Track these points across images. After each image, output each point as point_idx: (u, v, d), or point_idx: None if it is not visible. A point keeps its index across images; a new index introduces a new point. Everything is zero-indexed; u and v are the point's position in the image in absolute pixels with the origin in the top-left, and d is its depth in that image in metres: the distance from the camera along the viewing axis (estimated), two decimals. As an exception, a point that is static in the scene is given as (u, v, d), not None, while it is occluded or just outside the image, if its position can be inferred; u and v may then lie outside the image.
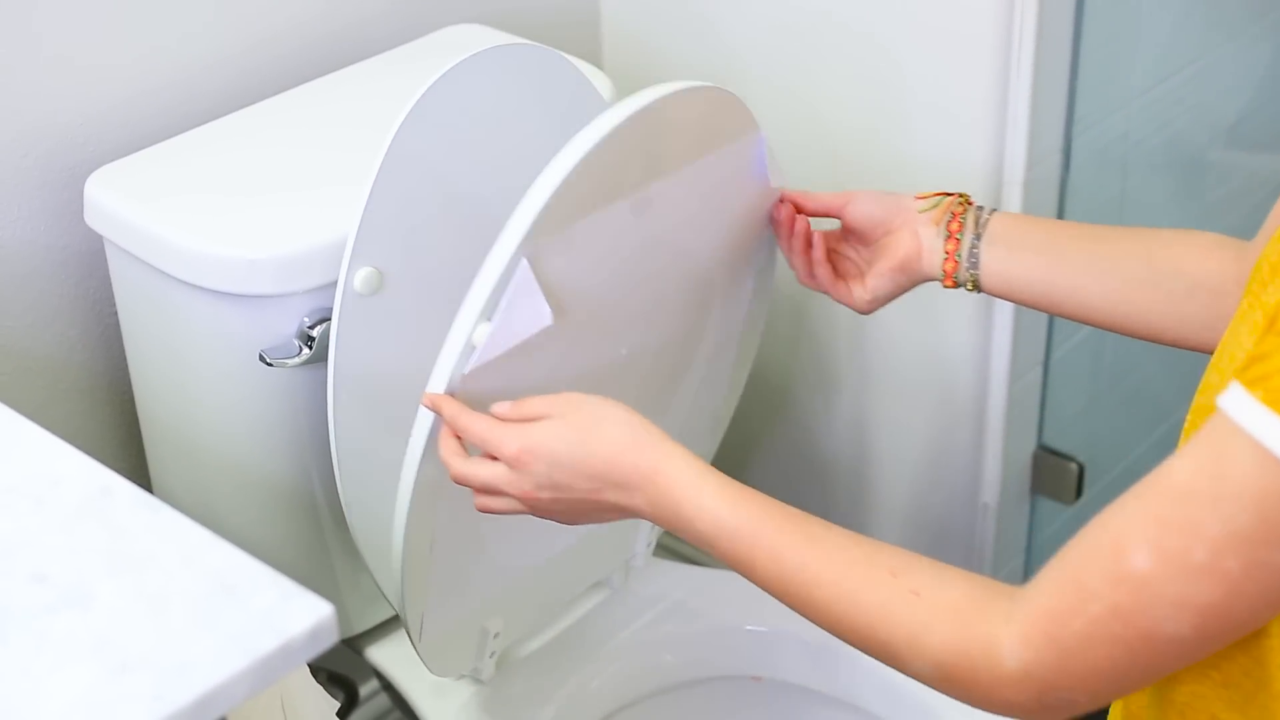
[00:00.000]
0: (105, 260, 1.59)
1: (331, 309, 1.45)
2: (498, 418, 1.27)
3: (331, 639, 0.97)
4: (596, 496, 1.23)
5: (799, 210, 1.53)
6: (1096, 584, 1.02)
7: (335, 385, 1.47)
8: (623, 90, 1.80)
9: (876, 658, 1.14)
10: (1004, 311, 1.85)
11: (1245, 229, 1.39)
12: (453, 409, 1.28)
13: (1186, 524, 0.99)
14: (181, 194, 1.54)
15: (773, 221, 1.54)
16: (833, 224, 1.55)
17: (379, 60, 1.74)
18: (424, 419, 1.30)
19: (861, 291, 1.52)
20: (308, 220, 1.50)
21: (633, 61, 2.01)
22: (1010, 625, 1.07)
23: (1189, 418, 1.14)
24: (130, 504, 1.07)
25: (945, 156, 1.80)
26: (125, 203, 1.53)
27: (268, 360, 1.49)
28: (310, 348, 1.50)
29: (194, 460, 1.60)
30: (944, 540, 2.03)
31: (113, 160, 1.59)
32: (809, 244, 1.53)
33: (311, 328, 1.50)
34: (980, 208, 1.48)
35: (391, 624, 1.72)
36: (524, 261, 1.29)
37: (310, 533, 1.61)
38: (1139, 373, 2.24)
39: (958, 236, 1.47)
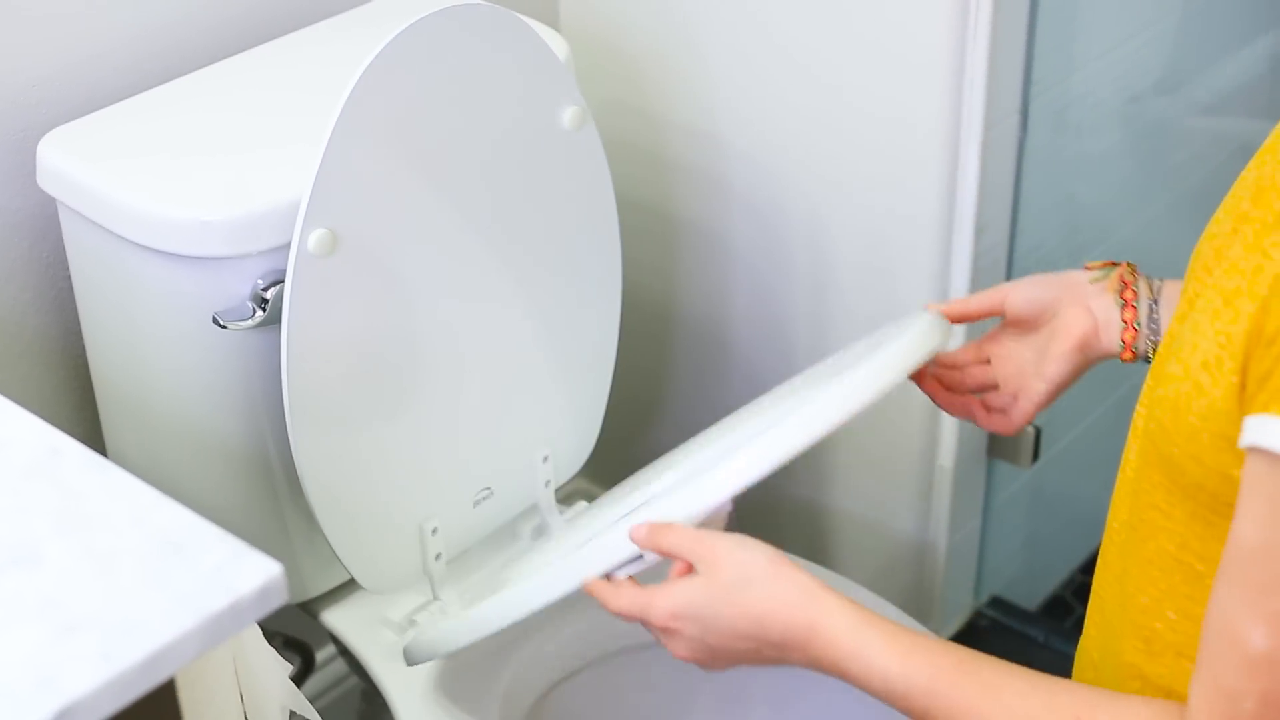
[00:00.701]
0: (58, 223, 1.58)
1: (285, 271, 1.45)
2: (634, 539, 1.23)
3: (281, 599, 0.97)
4: (755, 655, 1.20)
5: (963, 319, 1.46)
6: (1235, 681, 1.01)
7: (289, 348, 1.46)
8: (578, 53, 1.80)
9: None
10: (961, 273, 1.85)
11: (1204, 191, 1.39)
12: (603, 593, 1.25)
13: (1276, 580, 0.98)
14: (135, 156, 1.53)
15: (926, 388, 1.51)
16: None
17: (334, 22, 1.73)
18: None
19: (1034, 390, 1.43)
20: (261, 182, 1.49)
21: (589, 24, 2.00)
22: None
23: (1143, 410, 1.14)
24: (79, 465, 1.07)
25: (903, 117, 1.80)
26: (78, 165, 1.52)
27: (221, 322, 1.49)
28: (264, 310, 1.49)
29: (148, 423, 1.60)
30: (901, 504, 2.03)
31: (65, 122, 1.58)
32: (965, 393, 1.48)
33: (265, 290, 1.49)
34: (1148, 276, 1.41)
35: (348, 587, 1.72)
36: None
37: (265, 496, 1.61)
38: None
39: (1134, 305, 1.38)
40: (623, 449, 2.25)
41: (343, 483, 1.57)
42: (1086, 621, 1.27)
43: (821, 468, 2.07)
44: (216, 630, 0.94)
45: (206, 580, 0.96)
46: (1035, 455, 2.04)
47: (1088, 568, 2.47)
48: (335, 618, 1.71)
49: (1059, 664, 1.86)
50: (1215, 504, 1.07)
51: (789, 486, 2.11)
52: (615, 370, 1.81)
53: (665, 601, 1.20)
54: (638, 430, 2.23)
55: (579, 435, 1.79)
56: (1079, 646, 1.28)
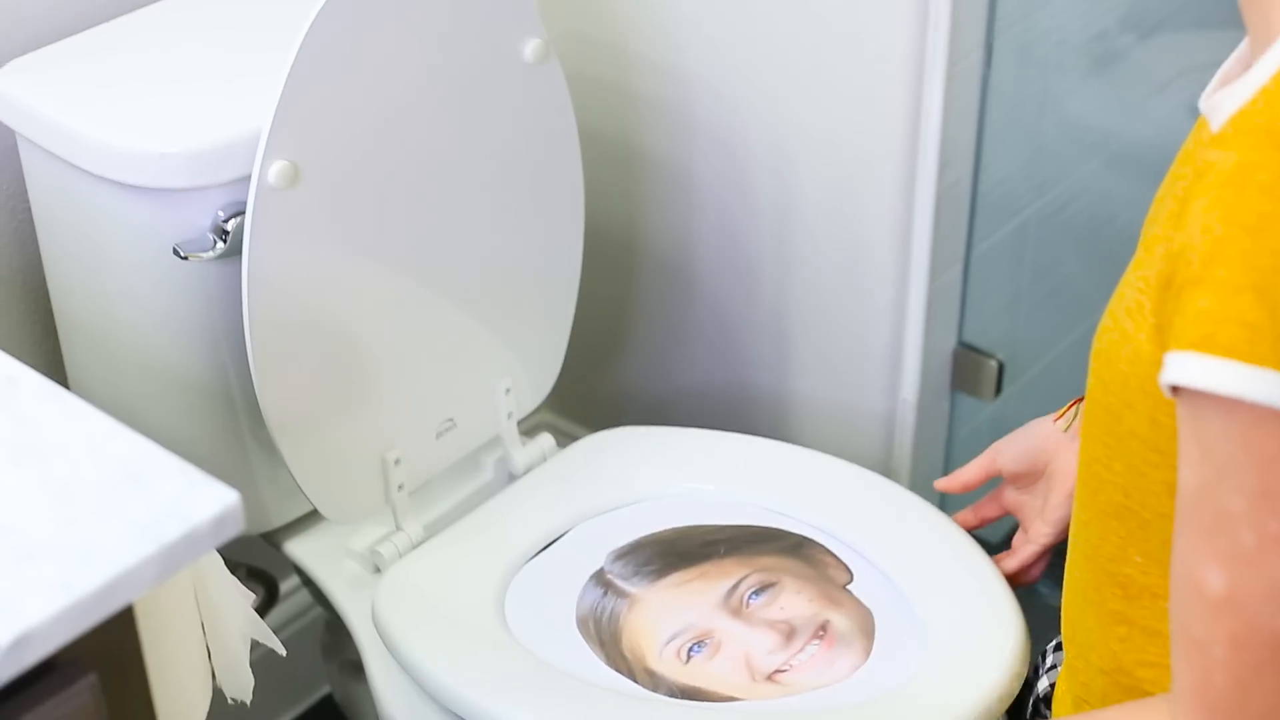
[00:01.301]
0: (18, 156, 1.58)
1: (246, 203, 1.44)
2: None
3: (238, 527, 0.97)
4: None
5: (967, 489, 1.60)
6: (1202, 629, 1.02)
7: (250, 279, 1.46)
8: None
9: None
10: (924, 208, 1.85)
11: (1169, 125, 1.39)
12: None
13: (1218, 518, 0.99)
14: (94, 87, 1.52)
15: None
16: None
17: (296, -48, 1.72)
18: None
19: (1039, 534, 1.54)
20: (222, 113, 1.49)
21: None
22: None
23: (1095, 347, 1.15)
24: (36, 394, 1.07)
25: (867, 51, 1.80)
26: (37, 96, 1.51)
27: (181, 254, 1.49)
28: (225, 242, 1.49)
29: (109, 355, 1.60)
30: (864, 437, 2.04)
31: (24, 54, 1.57)
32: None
33: (226, 221, 1.49)
34: None
35: (311, 518, 1.72)
36: None
37: (227, 427, 1.61)
38: (1060, 271, 2.25)
39: None
40: (587, 382, 2.25)
41: (304, 414, 1.58)
42: (1067, 575, 1.28)
43: (785, 401, 2.08)
44: (173, 558, 0.94)
45: (163, 508, 0.96)
46: (999, 389, 2.05)
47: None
48: (298, 548, 1.71)
49: (1023, 595, 1.88)
50: (1146, 452, 1.08)
51: (752, 419, 2.11)
52: (579, 303, 1.81)
53: None
54: (602, 364, 2.23)
55: (541, 367, 1.80)
56: (1064, 599, 1.29)
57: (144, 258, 1.51)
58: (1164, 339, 1.01)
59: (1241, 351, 0.94)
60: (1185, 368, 0.97)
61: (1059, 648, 1.41)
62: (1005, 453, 1.56)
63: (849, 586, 1.58)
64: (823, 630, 1.53)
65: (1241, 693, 1.02)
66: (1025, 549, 1.56)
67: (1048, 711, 1.41)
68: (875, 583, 1.59)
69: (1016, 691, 1.47)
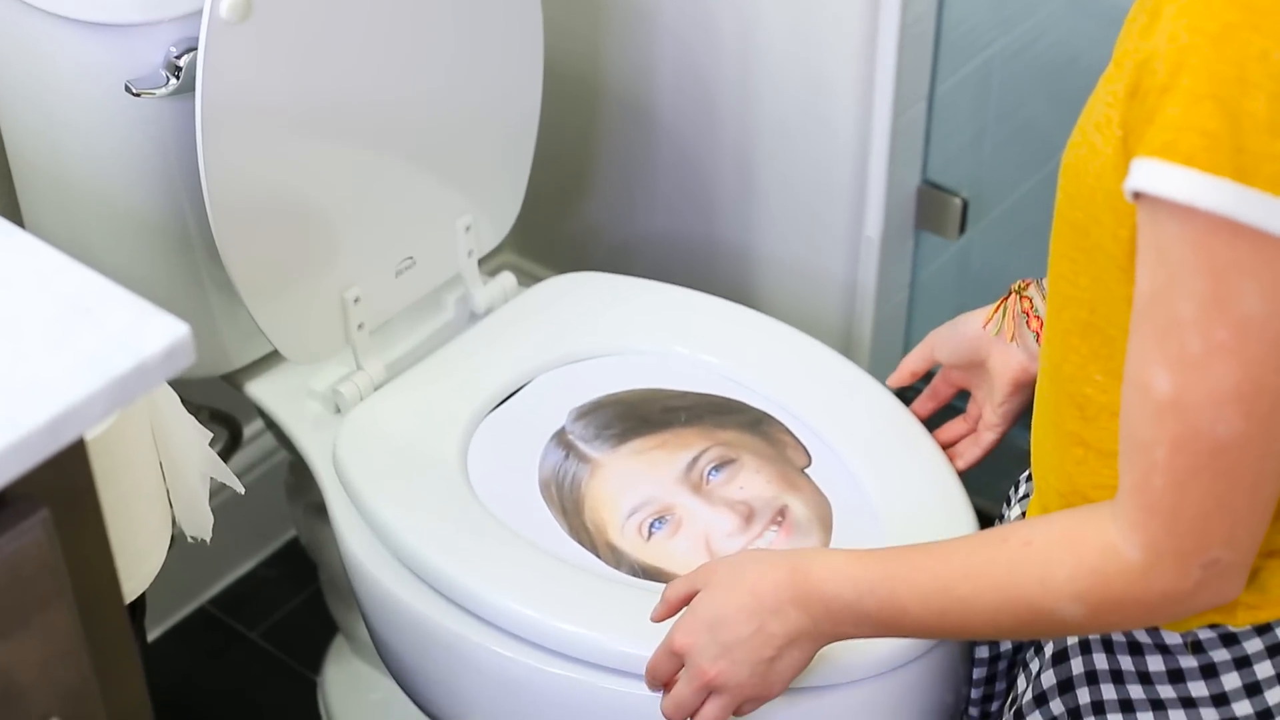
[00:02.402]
0: (-34, -9, 1.55)
1: (198, 38, 1.42)
2: (655, 620, 1.35)
3: (188, 359, 0.96)
4: (763, 636, 1.25)
5: (914, 378, 1.61)
6: (1147, 432, 1.04)
7: (204, 116, 1.45)
8: None
9: (1035, 629, 1.17)
10: (888, 45, 1.84)
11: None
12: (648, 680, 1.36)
13: (1168, 323, 1.00)
14: (41, -80, 1.49)
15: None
16: None
17: None
18: None
19: (985, 439, 1.58)
20: (172, -55, 1.47)
21: None
22: (1116, 521, 1.08)
23: (1065, 162, 1.14)
24: (-15, 230, 1.05)
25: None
26: (-17, -71, 1.48)
27: (134, 91, 1.47)
28: (177, 78, 1.47)
29: (65, 197, 1.58)
30: (827, 276, 2.03)
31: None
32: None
33: (179, 57, 1.47)
34: (1040, 281, 1.50)
35: (271, 359, 1.72)
36: None
37: (184, 268, 1.60)
38: (1026, 108, 2.24)
39: (1039, 316, 1.48)
40: (549, 224, 2.24)
41: (262, 252, 1.56)
42: (1035, 399, 1.28)
43: (749, 239, 2.07)
44: (123, 391, 0.93)
45: (113, 342, 0.95)
46: (963, 228, 2.05)
47: (1014, 341, 2.49)
48: (259, 389, 1.71)
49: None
50: (1112, 268, 1.08)
51: (717, 262, 2.11)
52: (540, 143, 1.80)
53: (678, 624, 1.30)
54: (565, 204, 2.22)
55: (502, 204, 1.78)
56: (1033, 423, 1.30)
57: (96, 95, 1.49)
58: (1129, 148, 1.02)
59: (1200, 160, 0.96)
60: (1146, 174, 0.99)
61: (1031, 477, 1.42)
62: (941, 347, 1.58)
63: (807, 470, 1.59)
64: (781, 516, 1.53)
65: (1178, 494, 1.04)
66: (986, 437, 1.58)
67: None
68: (833, 469, 1.59)
69: None
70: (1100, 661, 1.25)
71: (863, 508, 1.54)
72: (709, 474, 1.57)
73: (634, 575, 1.49)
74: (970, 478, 1.60)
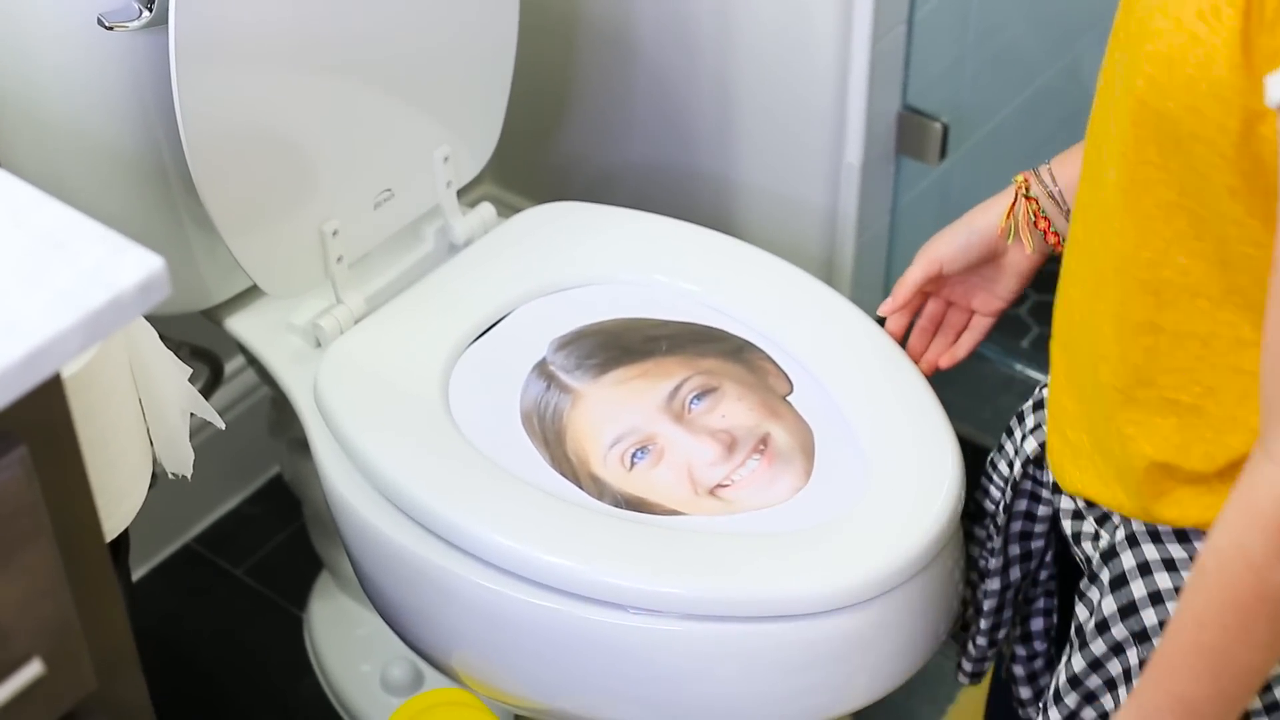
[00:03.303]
0: (-66, -75, 1.53)
1: (170, -31, 1.41)
2: None
3: (163, 292, 0.95)
4: None
5: (910, 300, 1.57)
6: None
7: (177, 48, 1.43)
8: None
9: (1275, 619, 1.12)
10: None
11: None
12: None
13: None
14: None
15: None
16: None
17: None
18: None
19: (994, 304, 1.57)
20: (142, -124, 1.45)
21: None
22: (1271, 462, 1.06)
23: (1121, 69, 1.12)
24: (-45, 165, 1.04)
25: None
26: None
27: (106, 24, 1.45)
28: (150, 10, 1.46)
29: (40, 133, 1.56)
30: (808, 203, 2.02)
31: None
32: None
33: (151, -11, 1.46)
34: (1037, 173, 1.49)
35: (251, 294, 1.71)
36: None
37: (162, 203, 1.59)
38: (1006, 33, 2.23)
39: (1046, 215, 1.48)
40: (528, 154, 2.23)
41: (238, 187, 1.55)
42: (1064, 306, 1.27)
43: (729, 168, 2.06)
44: (98, 326, 0.93)
45: (87, 277, 0.94)
46: (943, 153, 2.04)
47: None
48: (239, 324, 1.70)
49: (969, 362, 1.87)
50: (1211, 156, 1.07)
51: (697, 191, 2.10)
52: (518, 72, 1.78)
53: None
54: (543, 135, 2.21)
55: (479, 134, 1.77)
56: (1062, 328, 1.29)
57: (69, 29, 1.47)
58: (1256, 49, 1.00)
59: None
60: None
61: (1038, 406, 1.41)
62: (945, 252, 1.54)
63: (789, 398, 1.58)
64: (763, 444, 1.53)
65: None
66: (981, 323, 1.58)
67: (1037, 472, 1.41)
68: (815, 397, 1.58)
69: (954, 529, 1.48)
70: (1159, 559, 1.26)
71: (844, 435, 1.54)
72: (691, 403, 1.57)
73: (616, 506, 1.48)
74: (952, 404, 1.59)
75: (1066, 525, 1.35)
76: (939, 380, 1.61)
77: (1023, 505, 1.43)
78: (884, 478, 1.50)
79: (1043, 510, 1.43)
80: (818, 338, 1.64)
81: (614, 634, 1.42)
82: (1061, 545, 1.42)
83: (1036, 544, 1.46)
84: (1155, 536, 1.25)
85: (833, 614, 1.41)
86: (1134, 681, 1.27)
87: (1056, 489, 1.36)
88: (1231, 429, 1.16)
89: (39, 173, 1.57)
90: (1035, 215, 1.49)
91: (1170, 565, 1.25)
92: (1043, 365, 2.15)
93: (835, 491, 1.49)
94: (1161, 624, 1.25)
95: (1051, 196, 1.48)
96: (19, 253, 0.97)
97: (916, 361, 1.60)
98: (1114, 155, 1.15)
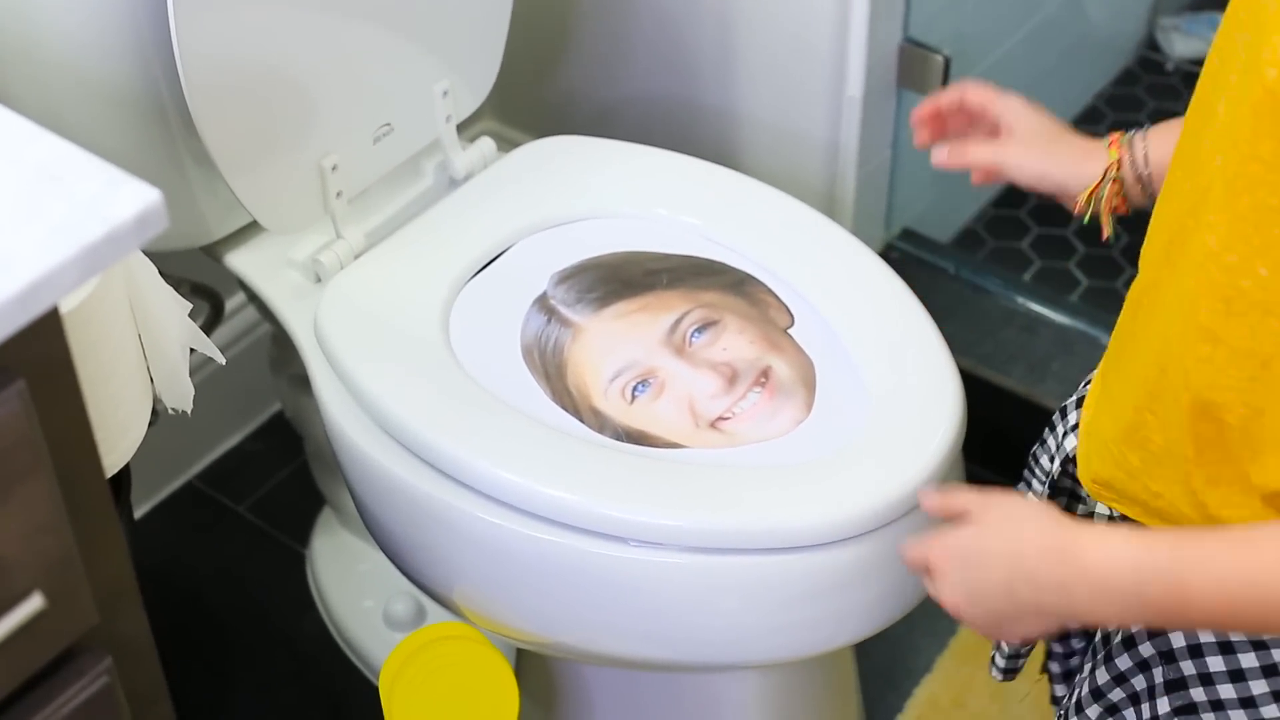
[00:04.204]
0: None
1: (165, -98, 1.40)
2: (924, 506, 1.28)
3: (161, 224, 0.95)
4: (1009, 594, 1.17)
5: (938, 115, 1.47)
6: None
7: (174, -17, 1.43)
8: None
9: None
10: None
11: None
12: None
13: None
14: None
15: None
16: None
17: None
18: None
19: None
20: None
21: None
22: None
23: (1240, 59, 1.07)
24: (-50, 98, 1.04)
25: None
26: None
27: (102, -40, 1.45)
28: (146, -55, 1.45)
29: (38, 71, 1.55)
30: (809, 137, 2.02)
31: None
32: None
33: (146, -77, 1.45)
34: (1132, 147, 1.38)
35: (251, 230, 1.70)
36: None
37: (161, 140, 1.58)
38: (1008, -36, 2.22)
39: (1125, 200, 1.38)
40: (528, 89, 2.22)
41: (237, 123, 1.55)
42: (1140, 300, 1.22)
43: (730, 102, 2.05)
44: (95, 259, 0.92)
45: (83, 210, 0.94)
46: (945, 85, 2.03)
47: (1000, 201, 2.48)
48: (239, 260, 1.70)
49: (971, 295, 1.87)
50: None
51: (697, 125, 2.09)
52: (518, 5, 1.78)
53: (940, 542, 1.22)
54: (543, 69, 2.20)
55: (479, 68, 1.76)
56: (1128, 318, 1.25)
57: (64, -36, 1.47)
58: None
59: None
60: None
61: (1081, 403, 1.38)
62: (1013, 161, 1.42)
63: (790, 331, 1.58)
64: (764, 377, 1.53)
65: None
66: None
67: (1076, 470, 1.38)
68: (816, 329, 1.58)
69: (956, 460, 1.48)
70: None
71: (846, 367, 1.54)
72: (691, 336, 1.56)
73: (618, 439, 1.48)
74: (953, 337, 1.59)
75: None
76: (940, 313, 1.61)
77: (1062, 502, 1.39)
78: (885, 410, 1.50)
79: (1081, 510, 1.38)
80: (819, 271, 1.63)
81: (615, 567, 1.42)
82: None
83: None
84: None
85: (834, 546, 1.41)
86: (1158, 699, 1.26)
87: None
88: (1274, 451, 1.12)
89: (37, 111, 1.55)
90: (1119, 199, 1.40)
91: None
92: (1045, 299, 2.14)
93: (837, 424, 1.49)
94: (1189, 647, 1.23)
95: (1140, 179, 1.39)
96: (14, 186, 0.96)
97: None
98: (1221, 143, 1.09)
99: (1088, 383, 1.36)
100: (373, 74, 1.65)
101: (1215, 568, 1.08)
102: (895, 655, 1.97)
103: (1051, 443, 1.40)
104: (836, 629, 1.48)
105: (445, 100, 1.72)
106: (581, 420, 1.50)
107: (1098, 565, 1.12)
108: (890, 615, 1.49)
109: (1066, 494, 1.38)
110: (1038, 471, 1.42)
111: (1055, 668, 1.47)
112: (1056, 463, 1.37)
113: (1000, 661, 1.49)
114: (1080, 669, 1.42)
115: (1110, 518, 1.29)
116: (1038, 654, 1.49)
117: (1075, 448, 1.34)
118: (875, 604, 1.48)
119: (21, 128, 1.01)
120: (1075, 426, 1.36)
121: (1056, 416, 1.40)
